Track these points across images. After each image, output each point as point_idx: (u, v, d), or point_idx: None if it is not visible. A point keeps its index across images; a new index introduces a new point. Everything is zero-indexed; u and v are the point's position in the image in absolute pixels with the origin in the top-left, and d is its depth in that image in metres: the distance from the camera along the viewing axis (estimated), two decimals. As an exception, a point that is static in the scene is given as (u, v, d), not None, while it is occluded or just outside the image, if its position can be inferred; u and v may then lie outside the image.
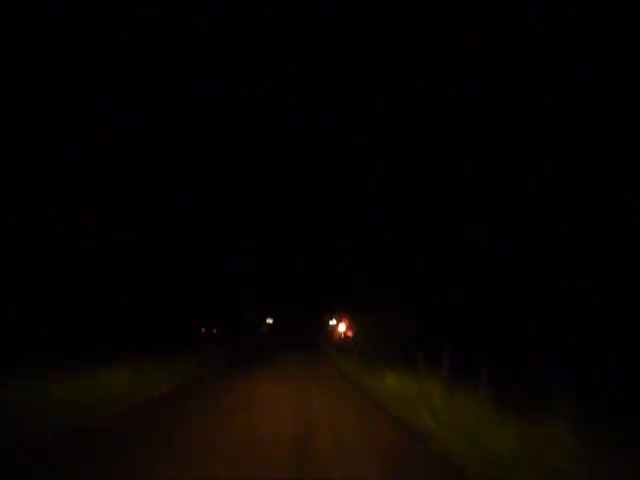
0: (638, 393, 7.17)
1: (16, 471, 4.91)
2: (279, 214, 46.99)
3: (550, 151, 14.18)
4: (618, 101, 12.49)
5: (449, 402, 7.94)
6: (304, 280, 53.06)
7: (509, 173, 15.14)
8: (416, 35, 18.55)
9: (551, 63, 13.79)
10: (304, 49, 29.65)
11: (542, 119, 14.25)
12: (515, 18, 14.49)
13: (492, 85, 15.68)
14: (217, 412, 8.12)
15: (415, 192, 19.67)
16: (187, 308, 30.70)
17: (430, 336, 15.80)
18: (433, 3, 17.24)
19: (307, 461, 5.17)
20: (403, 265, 20.87)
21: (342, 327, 42.54)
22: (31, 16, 15.69)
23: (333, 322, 48.87)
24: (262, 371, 16.48)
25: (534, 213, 14.63)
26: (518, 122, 14.83)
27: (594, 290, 12.47)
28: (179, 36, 23.60)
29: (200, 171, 28.03)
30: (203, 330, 39.49)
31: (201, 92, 29.45)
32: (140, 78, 20.58)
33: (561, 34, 13.35)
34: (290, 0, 22.32)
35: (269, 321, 63.88)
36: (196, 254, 29.85)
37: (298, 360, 23.31)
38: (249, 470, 4.88)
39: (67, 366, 10.25)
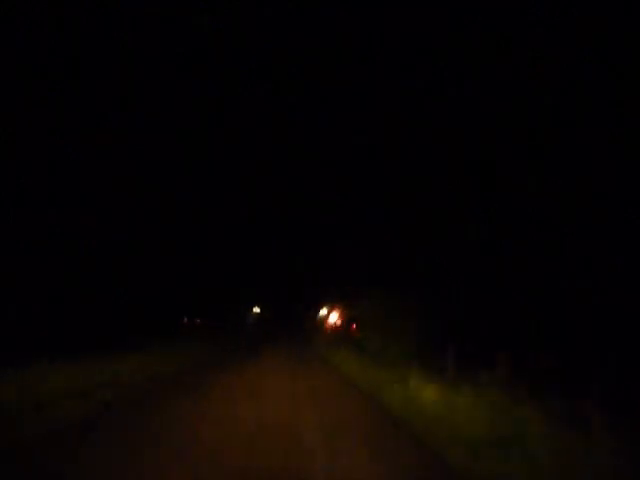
0: (638, 393, 7.17)
1: (16, 471, 4.91)
2: (279, 214, 47.02)
3: (550, 151, 14.17)
4: (618, 101, 12.48)
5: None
6: (303, 277, 53.15)
7: (509, 173, 15.13)
8: (416, 35, 18.54)
9: (551, 63, 13.78)
10: (304, 49, 29.67)
11: (542, 119, 14.24)
12: (515, 18, 14.49)
13: (492, 85, 15.68)
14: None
15: (415, 192, 19.65)
16: (187, 307, 30.74)
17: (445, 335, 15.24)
18: (433, 3, 17.24)
19: None
20: (403, 265, 20.83)
21: (334, 317, 39.40)
22: (31, 16, 15.70)
23: (324, 312, 43.42)
24: (248, 368, 14.88)
25: (534, 213, 14.62)
26: (518, 122, 14.82)
27: (594, 290, 12.45)
28: (179, 36, 23.62)
29: (200, 171, 28.12)
30: (185, 320, 38.14)
31: (201, 92, 29.49)
32: (140, 78, 20.63)
33: (561, 34, 13.34)
34: (290, 0, 22.33)
35: (256, 310, 61.03)
36: (196, 254, 29.92)
37: (289, 355, 22.48)
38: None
39: (63, 363, 10.26)
